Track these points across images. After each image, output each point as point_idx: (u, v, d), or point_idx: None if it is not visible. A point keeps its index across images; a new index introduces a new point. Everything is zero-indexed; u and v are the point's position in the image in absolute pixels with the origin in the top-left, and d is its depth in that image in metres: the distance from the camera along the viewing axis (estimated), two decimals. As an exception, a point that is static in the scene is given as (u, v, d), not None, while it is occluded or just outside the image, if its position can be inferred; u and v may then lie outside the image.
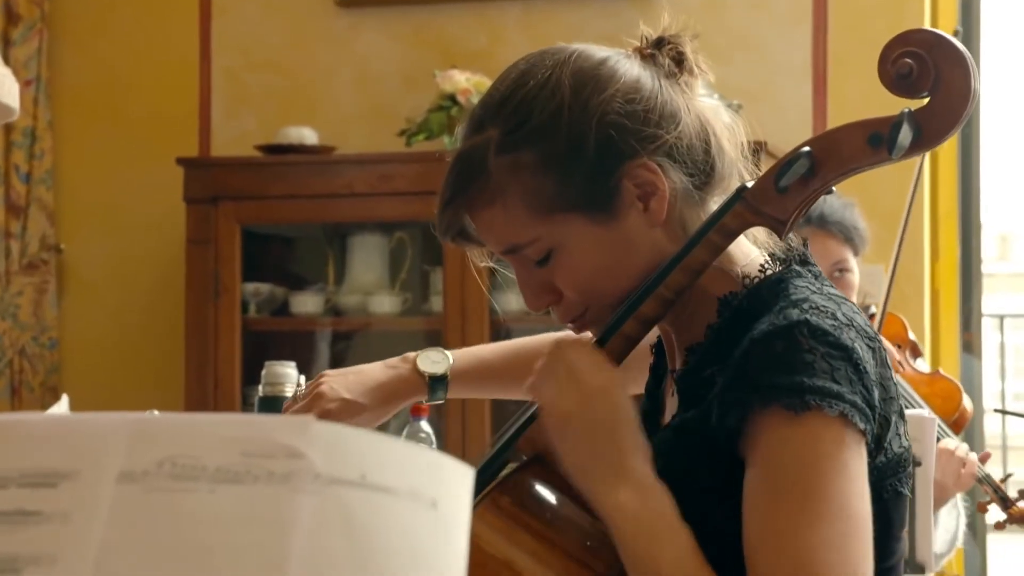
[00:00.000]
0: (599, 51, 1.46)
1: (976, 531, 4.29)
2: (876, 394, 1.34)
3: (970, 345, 4.28)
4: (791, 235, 1.48)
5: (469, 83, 3.96)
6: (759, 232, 1.47)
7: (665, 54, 1.46)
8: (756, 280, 1.43)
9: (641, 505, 1.31)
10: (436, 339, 4.05)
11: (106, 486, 0.81)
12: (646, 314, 1.42)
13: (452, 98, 3.97)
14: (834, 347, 1.32)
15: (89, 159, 4.45)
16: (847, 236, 3.01)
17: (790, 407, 1.29)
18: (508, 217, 1.42)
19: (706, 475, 1.35)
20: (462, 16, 4.21)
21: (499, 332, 4.01)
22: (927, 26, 4.02)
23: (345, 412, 1.86)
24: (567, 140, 1.41)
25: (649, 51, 1.47)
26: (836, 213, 3.00)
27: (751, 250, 1.47)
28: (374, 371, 1.88)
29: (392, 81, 4.26)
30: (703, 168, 1.45)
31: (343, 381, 1.85)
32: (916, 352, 3.24)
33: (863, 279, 3.99)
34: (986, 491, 2.93)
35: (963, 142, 4.23)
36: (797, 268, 1.44)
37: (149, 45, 4.41)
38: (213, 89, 4.37)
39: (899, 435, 1.39)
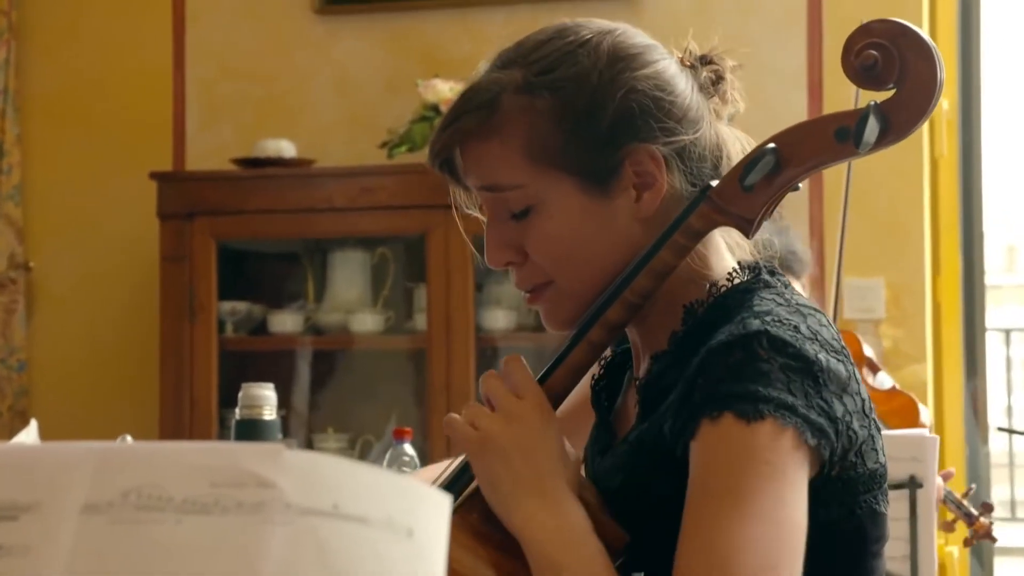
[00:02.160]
0: (645, 38, 1.50)
1: (982, 556, 4.29)
2: (839, 408, 1.35)
3: (974, 368, 4.27)
4: (772, 242, 1.49)
5: (453, 93, 3.96)
6: (738, 238, 1.49)
7: (706, 70, 1.49)
8: (723, 289, 1.45)
9: (549, 516, 1.34)
10: (420, 358, 4.05)
11: (69, 518, 0.81)
12: (612, 320, 1.44)
13: (435, 108, 3.98)
14: (793, 358, 1.33)
15: (59, 173, 4.45)
16: (783, 262, 3.01)
17: (743, 415, 1.31)
18: (502, 155, 1.44)
19: (663, 487, 1.37)
20: (445, 22, 4.23)
21: (485, 350, 4.01)
22: (926, 31, 4.04)
23: None
24: (588, 100, 1.43)
25: (691, 63, 1.50)
26: None
27: (725, 258, 1.49)
28: None
29: (373, 90, 4.27)
30: (707, 182, 1.47)
31: None
32: (873, 368, 3.24)
33: (863, 293, 4.00)
34: (949, 508, 2.93)
35: (964, 150, 4.24)
36: (766, 278, 1.46)
37: (120, 55, 4.41)
38: (187, 100, 4.37)
39: (875, 450, 1.40)
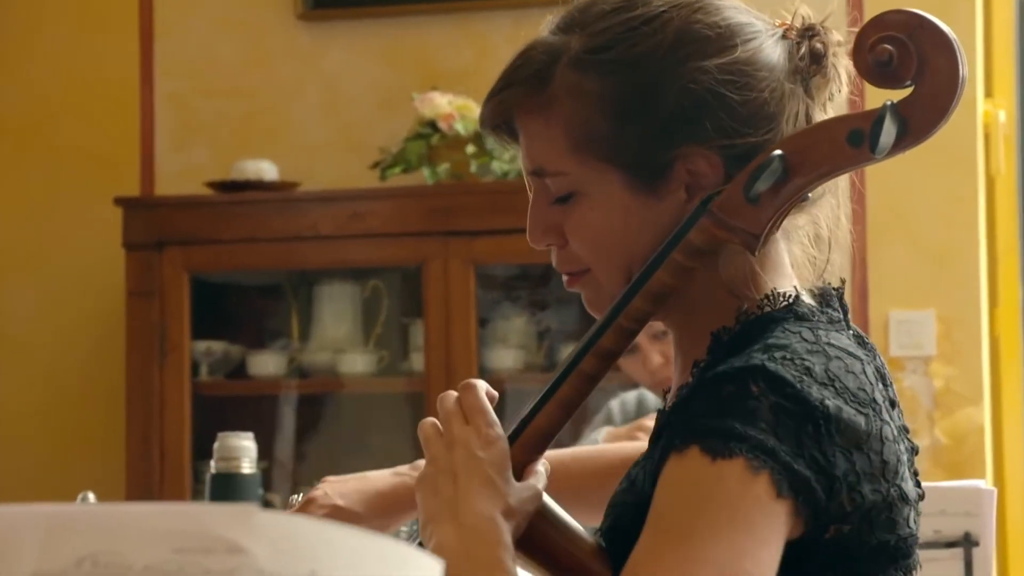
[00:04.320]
0: (733, 12, 1.46)
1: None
2: (842, 464, 1.34)
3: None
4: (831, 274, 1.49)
5: (452, 107, 3.97)
6: (799, 253, 1.49)
7: (807, 44, 1.47)
8: (751, 316, 1.44)
9: (459, 541, 1.37)
10: (417, 401, 4.05)
11: (17, 590, 0.81)
12: (605, 348, 1.44)
13: (433, 125, 3.99)
14: (791, 400, 1.33)
15: (13, 200, 4.46)
16: None
17: (709, 450, 1.31)
18: (546, 136, 1.46)
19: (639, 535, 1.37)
20: (444, 30, 4.24)
21: (490, 394, 4.01)
22: (980, 36, 4.04)
23: (335, 520, 1.86)
24: (640, 89, 1.43)
25: (794, 35, 1.48)
26: None
27: (780, 278, 1.47)
28: (379, 478, 1.85)
29: (364, 105, 4.28)
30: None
31: (340, 487, 1.84)
32: None
33: (911, 327, 3.99)
34: None
35: (1023, 167, 4.25)
36: (800, 309, 1.44)
37: (82, 69, 4.43)
38: (156, 118, 4.39)
39: (892, 521, 1.39)
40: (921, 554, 2.21)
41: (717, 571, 1.27)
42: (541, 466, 1.46)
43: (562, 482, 1.68)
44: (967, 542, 2.31)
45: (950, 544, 2.28)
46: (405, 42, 4.28)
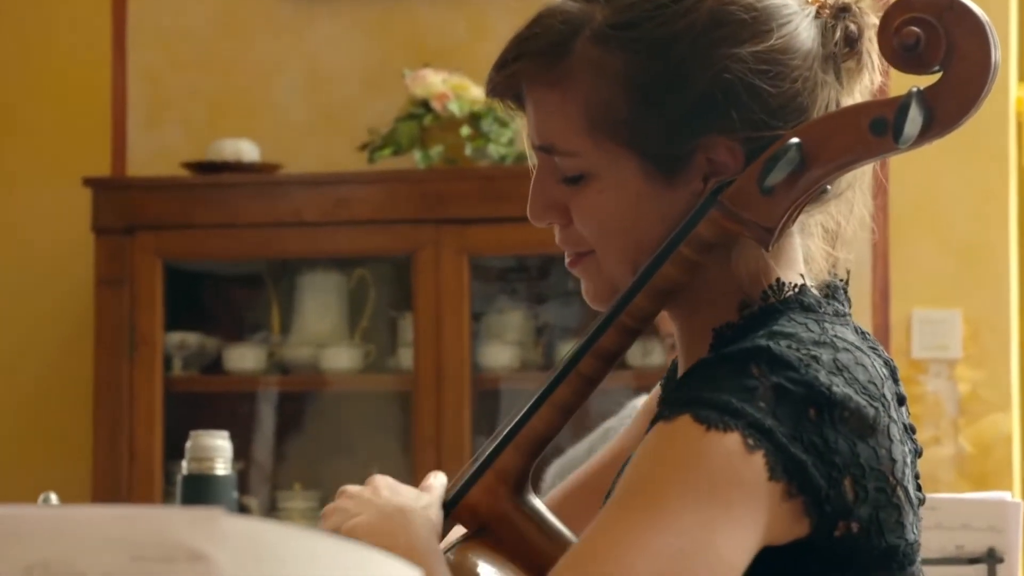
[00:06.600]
0: None
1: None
2: (844, 451, 1.35)
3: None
4: (840, 261, 1.50)
5: (446, 85, 3.97)
6: (812, 249, 1.49)
7: (841, 24, 1.47)
8: (756, 309, 1.45)
9: None
10: (405, 400, 4.04)
11: (-40, 598, 0.81)
12: (606, 348, 1.45)
13: (425, 104, 3.98)
14: (792, 382, 1.34)
15: (-25, 180, 4.46)
16: None
17: (702, 419, 1.31)
18: (561, 112, 1.46)
19: None
20: (436, 3, 4.24)
21: (483, 393, 4.01)
22: (1013, 23, 4.04)
23: None
24: (668, 73, 1.43)
25: (828, 15, 1.48)
26: None
27: (792, 270, 1.48)
28: None
29: (351, 83, 4.28)
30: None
31: None
32: None
33: (936, 328, 3.99)
34: None
35: (1058, 157, 4.25)
36: (806, 300, 1.45)
37: (49, 40, 4.42)
38: (129, 93, 4.38)
39: (900, 524, 1.39)
40: (942, 570, 2.21)
41: (682, 540, 1.28)
42: (435, 480, 1.50)
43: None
44: (991, 558, 2.31)
45: (973, 560, 2.28)
46: (395, 15, 4.28)
